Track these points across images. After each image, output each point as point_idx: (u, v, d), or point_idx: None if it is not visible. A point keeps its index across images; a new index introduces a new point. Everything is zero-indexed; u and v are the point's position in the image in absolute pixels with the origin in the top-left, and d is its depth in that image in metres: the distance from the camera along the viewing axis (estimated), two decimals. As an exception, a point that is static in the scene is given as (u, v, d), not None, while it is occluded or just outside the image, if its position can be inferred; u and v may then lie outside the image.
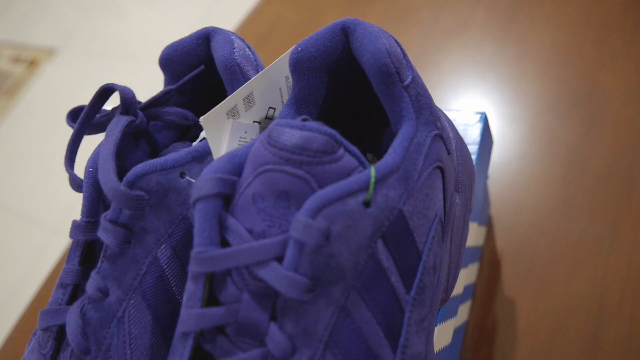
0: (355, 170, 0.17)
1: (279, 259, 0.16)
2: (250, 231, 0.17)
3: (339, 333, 0.16)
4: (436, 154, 0.19)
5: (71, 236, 0.21)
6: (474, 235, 0.30)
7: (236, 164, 0.18)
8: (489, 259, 0.34)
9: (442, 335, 0.23)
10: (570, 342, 0.30)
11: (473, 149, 0.27)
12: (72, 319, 0.19)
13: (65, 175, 1.16)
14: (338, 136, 0.17)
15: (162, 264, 0.20)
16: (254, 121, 0.22)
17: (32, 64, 1.45)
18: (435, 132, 0.19)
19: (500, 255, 0.34)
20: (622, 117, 0.36)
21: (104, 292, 0.19)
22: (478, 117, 0.28)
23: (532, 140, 0.38)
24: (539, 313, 0.31)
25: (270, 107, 0.22)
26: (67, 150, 0.22)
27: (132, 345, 0.19)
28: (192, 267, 0.17)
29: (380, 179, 0.17)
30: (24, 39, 1.55)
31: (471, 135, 0.27)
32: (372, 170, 0.17)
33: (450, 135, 0.22)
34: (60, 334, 0.21)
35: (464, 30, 0.45)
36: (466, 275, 0.29)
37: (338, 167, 0.17)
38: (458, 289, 0.25)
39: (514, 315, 0.32)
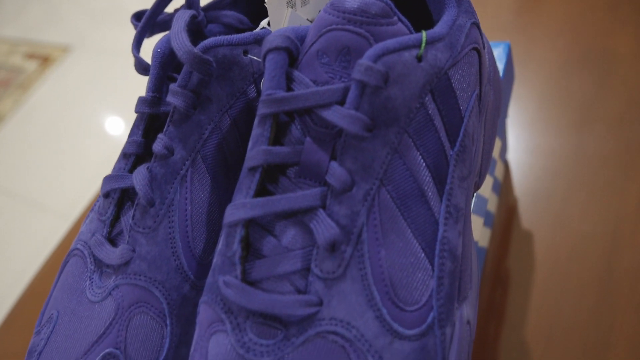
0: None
1: (341, 103, 0.18)
2: (314, 81, 0.19)
3: (392, 171, 0.18)
4: (474, 38, 0.21)
5: (136, 110, 0.22)
6: (494, 166, 0.32)
7: (299, 35, 0.20)
8: (507, 196, 0.36)
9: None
10: (585, 270, 0.32)
11: (498, 75, 0.29)
12: (139, 173, 0.21)
13: (75, 167, 1.18)
14: (393, 6, 0.19)
15: (223, 132, 0.22)
16: (307, 19, 0.24)
17: (46, 60, 1.48)
18: (474, 20, 0.21)
19: (517, 192, 0.36)
20: (632, 74, 0.39)
21: (170, 151, 0.21)
22: (502, 47, 0.30)
23: (546, 96, 0.40)
24: (555, 244, 0.33)
25: (320, 11, 0.25)
26: (134, 40, 0.24)
27: (192, 202, 0.21)
28: (261, 110, 0.18)
29: (430, 42, 0.19)
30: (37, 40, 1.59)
31: (496, 65, 0.29)
32: (424, 33, 0.19)
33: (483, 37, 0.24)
34: (120, 200, 0.22)
35: (480, 1, 0.48)
36: (488, 200, 0.31)
37: (393, 30, 0.19)
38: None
39: (531, 245, 0.33)
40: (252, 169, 0.18)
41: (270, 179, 0.19)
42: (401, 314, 0.17)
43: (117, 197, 0.22)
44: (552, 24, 0.44)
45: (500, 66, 0.29)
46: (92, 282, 0.22)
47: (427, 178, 0.18)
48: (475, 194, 0.24)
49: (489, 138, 0.23)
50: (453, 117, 0.19)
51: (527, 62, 0.42)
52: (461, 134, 0.20)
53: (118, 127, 1.25)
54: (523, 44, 0.44)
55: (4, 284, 1.00)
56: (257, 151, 0.18)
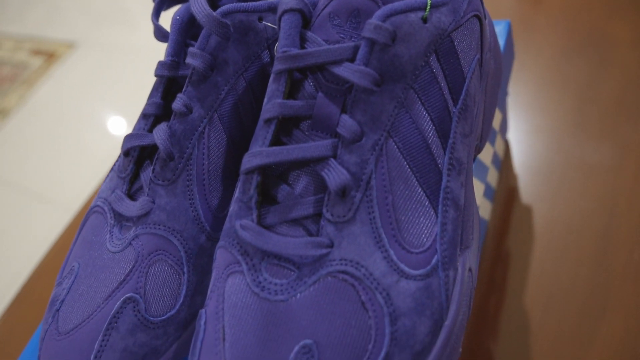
0: (414, 0, 0.20)
1: (351, 60, 0.19)
2: (326, 41, 0.20)
3: (399, 124, 0.19)
4: (476, 5, 0.22)
5: (156, 73, 0.24)
6: (494, 136, 0.33)
7: (311, 0, 0.21)
8: (508, 173, 0.37)
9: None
10: (583, 243, 0.33)
11: (498, 52, 0.30)
12: (160, 129, 0.22)
13: (78, 160, 1.19)
14: (400, -29, 0.20)
15: (238, 94, 0.23)
16: (317, -10, 0.25)
17: (51, 56, 1.50)
18: (477, -11, 0.23)
19: (518, 170, 0.37)
20: (630, 58, 0.40)
21: (189, 109, 0.22)
22: (502, 25, 0.31)
23: (546, 79, 0.41)
24: (554, 217, 0.34)
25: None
26: (154, 10, 0.25)
27: (209, 157, 0.22)
28: (276, 67, 0.20)
29: (435, 6, 0.20)
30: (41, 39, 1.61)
31: (497, 42, 0.31)
32: (429, -3, 0.20)
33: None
34: (139, 159, 0.23)
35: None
36: (489, 170, 0.32)
37: (401, -6, 0.20)
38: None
39: (531, 220, 0.35)
40: (268, 121, 0.19)
41: (284, 132, 0.20)
42: (407, 255, 0.18)
43: (136, 155, 0.23)
44: (552, 10, 0.46)
45: (501, 42, 0.30)
46: (112, 235, 0.23)
47: (432, 131, 0.20)
48: (476, 158, 0.25)
49: (490, 105, 0.25)
50: (456, 77, 0.21)
51: (528, 46, 0.44)
52: (463, 93, 0.21)
53: (121, 122, 1.27)
54: (524, 29, 0.45)
55: (9, 272, 1.01)
56: (272, 104, 0.19)
